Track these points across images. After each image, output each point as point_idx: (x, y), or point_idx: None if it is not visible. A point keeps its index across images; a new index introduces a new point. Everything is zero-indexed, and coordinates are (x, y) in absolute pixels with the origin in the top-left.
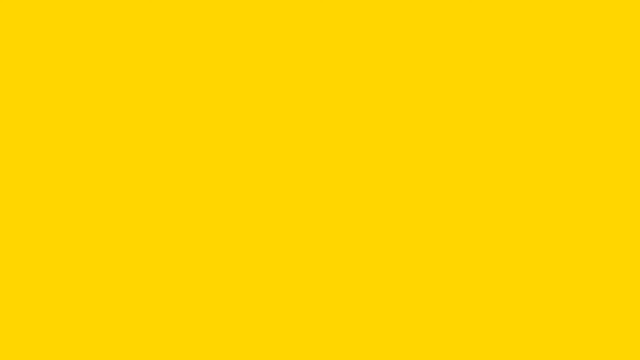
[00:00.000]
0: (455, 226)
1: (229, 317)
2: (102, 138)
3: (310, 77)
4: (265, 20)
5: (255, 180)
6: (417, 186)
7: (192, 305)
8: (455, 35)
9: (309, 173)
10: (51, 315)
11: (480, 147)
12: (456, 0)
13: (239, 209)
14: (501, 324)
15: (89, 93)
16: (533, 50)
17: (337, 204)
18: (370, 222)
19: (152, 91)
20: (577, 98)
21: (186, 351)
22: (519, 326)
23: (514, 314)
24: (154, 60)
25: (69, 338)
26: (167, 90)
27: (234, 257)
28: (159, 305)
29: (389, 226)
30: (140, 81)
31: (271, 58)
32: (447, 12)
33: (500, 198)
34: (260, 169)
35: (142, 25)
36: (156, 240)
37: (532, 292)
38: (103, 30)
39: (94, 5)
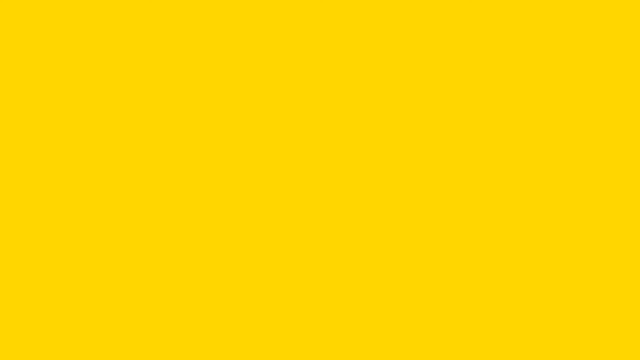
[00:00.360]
0: (455, 226)
1: (229, 317)
2: (102, 138)
3: (310, 77)
4: (265, 21)
5: (255, 180)
6: (417, 186)
7: (192, 305)
8: (456, 35)
9: (309, 173)
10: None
11: (480, 147)
12: (456, 0)
13: (239, 209)
14: (501, 323)
15: (89, 93)
16: (533, 50)
17: (337, 204)
18: (370, 222)
19: (152, 91)
20: (577, 98)
21: (186, 351)
22: (519, 326)
23: (514, 314)
24: (154, 61)
25: (69, 338)
26: (167, 90)
27: (234, 257)
28: (159, 305)
29: (389, 226)
30: (140, 81)
31: (271, 58)
32: (447, 12)
33: (500, 198)
34: (260, 169)
35: (142, 25)
36: (156, 239)
37: (532, 292)
38: (103, 30)
39: (94, 5)
